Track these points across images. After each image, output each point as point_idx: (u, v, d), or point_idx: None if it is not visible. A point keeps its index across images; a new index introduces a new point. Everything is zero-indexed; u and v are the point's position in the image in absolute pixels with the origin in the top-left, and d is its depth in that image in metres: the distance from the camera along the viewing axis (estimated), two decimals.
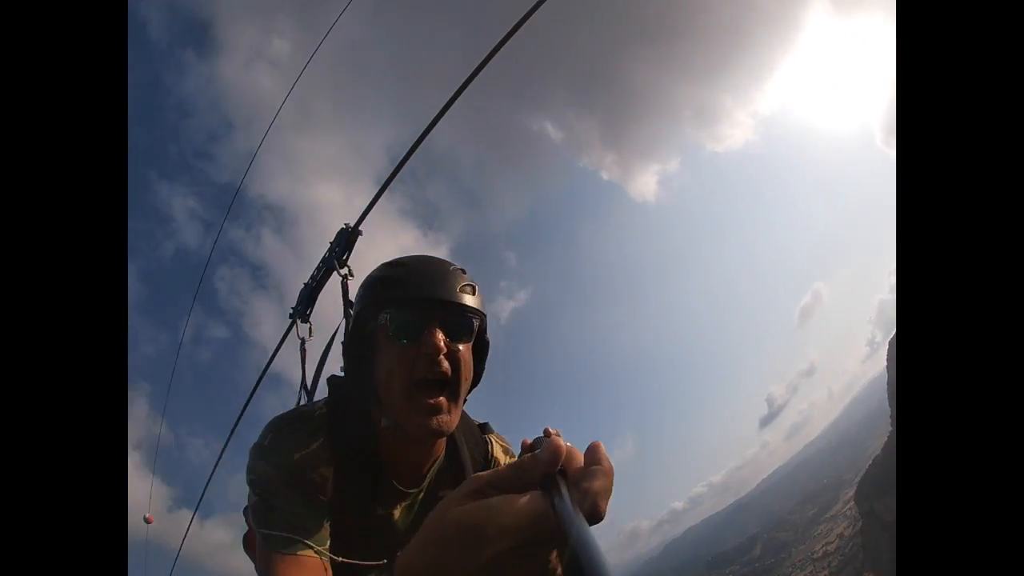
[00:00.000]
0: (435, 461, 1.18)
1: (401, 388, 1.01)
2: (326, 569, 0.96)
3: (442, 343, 1.00)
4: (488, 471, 0.53)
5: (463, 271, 1.10)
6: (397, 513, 1.15)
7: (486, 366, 1.17)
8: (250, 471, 1.02)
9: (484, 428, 1.31)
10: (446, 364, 1.01)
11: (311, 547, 0.94)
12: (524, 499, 0.47)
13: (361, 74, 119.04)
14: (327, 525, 1.00)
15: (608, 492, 0.51)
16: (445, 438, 1.17)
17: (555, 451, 0.49)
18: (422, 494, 1.17)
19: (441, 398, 1.01)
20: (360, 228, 2.12)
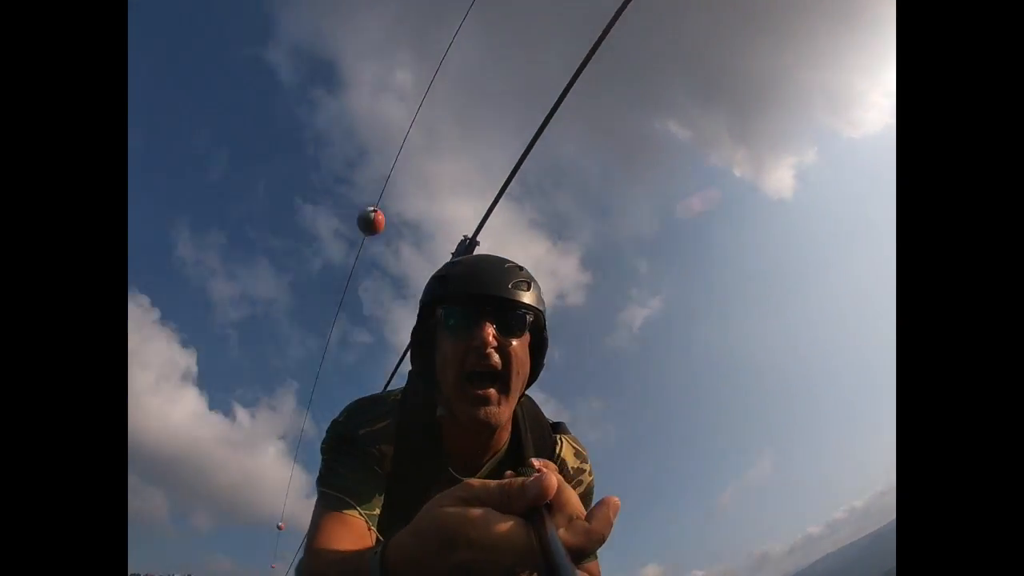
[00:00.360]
0: (495, 454, 1.20)
1: (454, 379, 1.04)
2: (370, 530, 1.05)
3: (491, 337, 1.02)
4: (480, 483, 0.55)
5: (520, 268, 1.12)
6: None
7: (545, 362, 1.17)
8: (323, 441, 1.16)
9: (557, 427, 1.30)
10: (496, 358, 1.03)
11: (357, 509, 1.05)
12: (502, 522, 0.50)
13: (481, 96, 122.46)
14: (379, 496, 1.11)
15: (585, 555, 0.51)
16: (509, 432, 1.20)
17: (544, 488, 0.50)
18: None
19: (491, 390, 1.04)
20: (478, 239, 2.24)
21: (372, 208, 4.78)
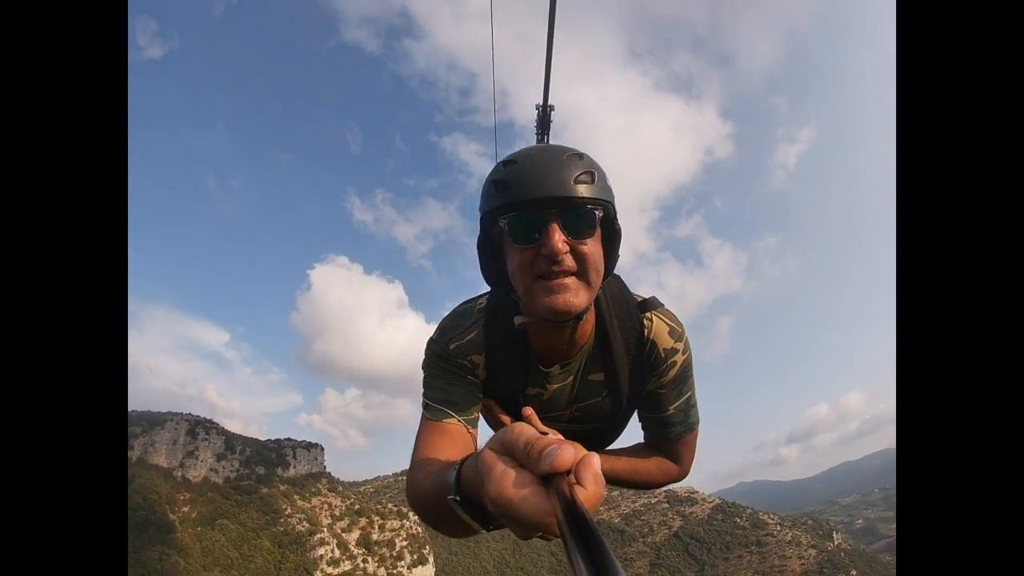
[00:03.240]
0: (582, 348, 1.21)
1: (526, 285, 1.02)
2: (470, 434, 1.16)
3: (561, 243, 0.97)
4: (518, 431, 0.56)
5: (580, 156, 1.03)
6: (547, 394, 1.27)
7: (619, 255, 1.12)
8: (423, 360, 1.25)
9: (646, 305, 1.22)
10: (569, 262, 0.99)
11: (455, 416, 1.15)
12: (521, 486, 0.52)
13: None
14: (476, 401, 1.21)
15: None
16: (593, 324, 1.19)
17: (556, 462, 0.50)
18: (571, 376, 1.26)
19: (566, 280, 1.00)
20: (551, 104, 2.34)
21: None
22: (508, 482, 0.53)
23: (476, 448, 1.16)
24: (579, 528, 0.43)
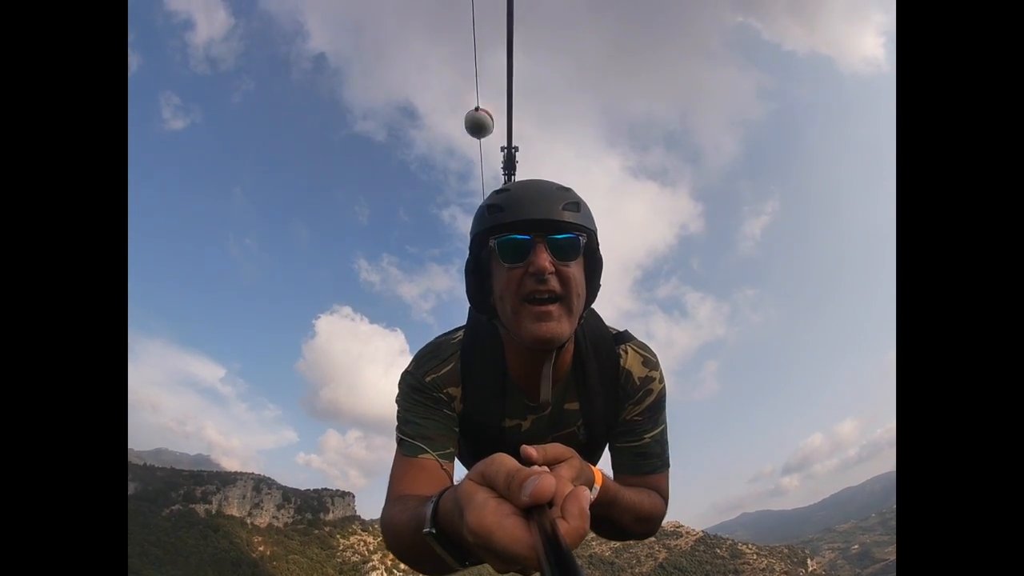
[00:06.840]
0: (561, 376, 1.22)
1: (512, 304, 1.05)
2: (445, 470, 1.14)
3: (548, 263, 1.02)
4: (499, 463, 0.55)
5: (567, 189, 1.10)
6: (526, 424, 1.27)
7: (601, 283, 1.16)
8: (397, 394, 1.23)
9: (620, 338, 1.27)
10: (554, 282, 1.03)
11: (429, 452, 1.13)
12: (501, 516, 0.51)
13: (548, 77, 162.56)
14: (451, 436, 1.19)
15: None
16: (572, 354, 1.21)
17: (538, 492, 0.49)
18: (550, 408, 1.25)
19: (551, 307, 1.04)
20: (515, 145, 2.60)
21: (477, 108, 4.19)
22: (488, 512, 0.51)
23: (452, 484, 1.14)
24: (559, 563, 0.42)
